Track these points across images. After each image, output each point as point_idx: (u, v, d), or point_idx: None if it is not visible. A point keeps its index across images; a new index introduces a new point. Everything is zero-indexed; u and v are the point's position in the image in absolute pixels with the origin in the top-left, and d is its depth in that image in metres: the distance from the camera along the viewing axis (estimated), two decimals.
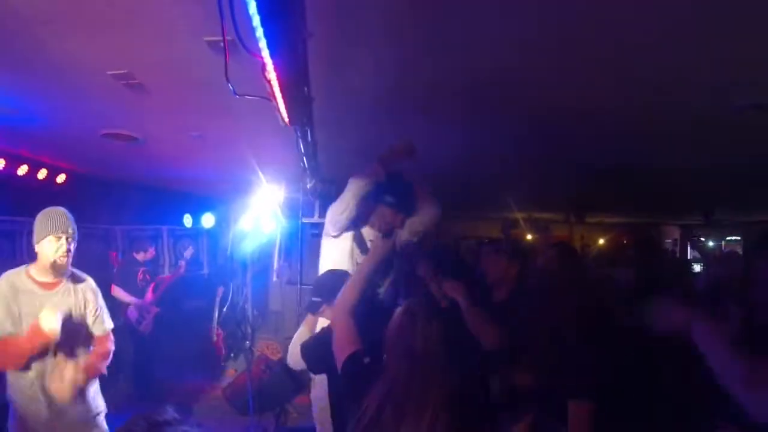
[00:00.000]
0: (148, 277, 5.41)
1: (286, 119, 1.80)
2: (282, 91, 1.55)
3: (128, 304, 5.11)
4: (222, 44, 1.49)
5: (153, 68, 2.37)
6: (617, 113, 3.05)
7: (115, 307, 4.42)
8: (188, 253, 5.61)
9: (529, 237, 9.73)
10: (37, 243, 2.33)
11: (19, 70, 2.43)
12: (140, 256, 5.51)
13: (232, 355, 6.66)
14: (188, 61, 2.23)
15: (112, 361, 2.61)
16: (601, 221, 11.50)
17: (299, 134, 2.47)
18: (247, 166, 4.20)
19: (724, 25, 1.82)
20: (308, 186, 3.90)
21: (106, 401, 2.66)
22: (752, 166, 4.54)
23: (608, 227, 12.22)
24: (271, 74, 1.48)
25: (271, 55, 1.36)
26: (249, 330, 6.63)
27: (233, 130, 3.54)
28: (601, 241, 10.32)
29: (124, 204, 6.09)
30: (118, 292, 5.07)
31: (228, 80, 1.57)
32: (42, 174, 5.33)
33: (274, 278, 5.02)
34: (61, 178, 5.59)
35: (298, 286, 5.25)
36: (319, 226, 5.61)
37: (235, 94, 1.73)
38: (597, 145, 3.92)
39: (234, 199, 4.57)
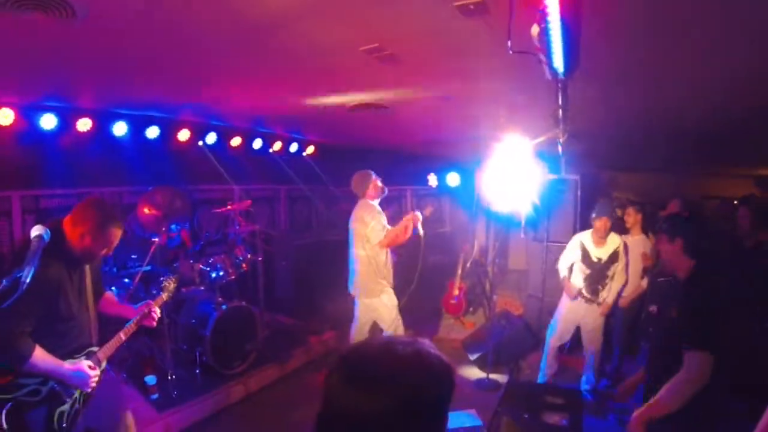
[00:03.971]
0: None
1: (561, 70, 1.73)
2: (564, 40, 1.49)
3: None
4: (472, 6, 1.52)
5: (403, 39, 2.35)
6: None
7: None
8: (427, 212, 5.92)
9: None
10: None
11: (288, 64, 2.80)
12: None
13: (471, 309, 6.97)
14: (438, 27, 2.19)
15: None
16: None
17: (560, 86, 2.37)
18: (493, 125, 4.19)
19: None
20: (560, 140, 3.71)
21: None
22: None
23: None
24: (555, 25, 1.44)
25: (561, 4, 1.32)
26: (489, 286, 6.84)
27: (480, 90, 3.50)
28: None
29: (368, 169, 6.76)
30: None
31: (509, 38, 1.59)
32: (293, 148, 6.40)
33: (522, 235, 4.96)
34: (310, 149, 6.64)
35: (545, 243, 5.13)
36: (566, 182, 5.34)
37: (511, 50, 1.74)
38: None
39: (479, 158, 4.62)
